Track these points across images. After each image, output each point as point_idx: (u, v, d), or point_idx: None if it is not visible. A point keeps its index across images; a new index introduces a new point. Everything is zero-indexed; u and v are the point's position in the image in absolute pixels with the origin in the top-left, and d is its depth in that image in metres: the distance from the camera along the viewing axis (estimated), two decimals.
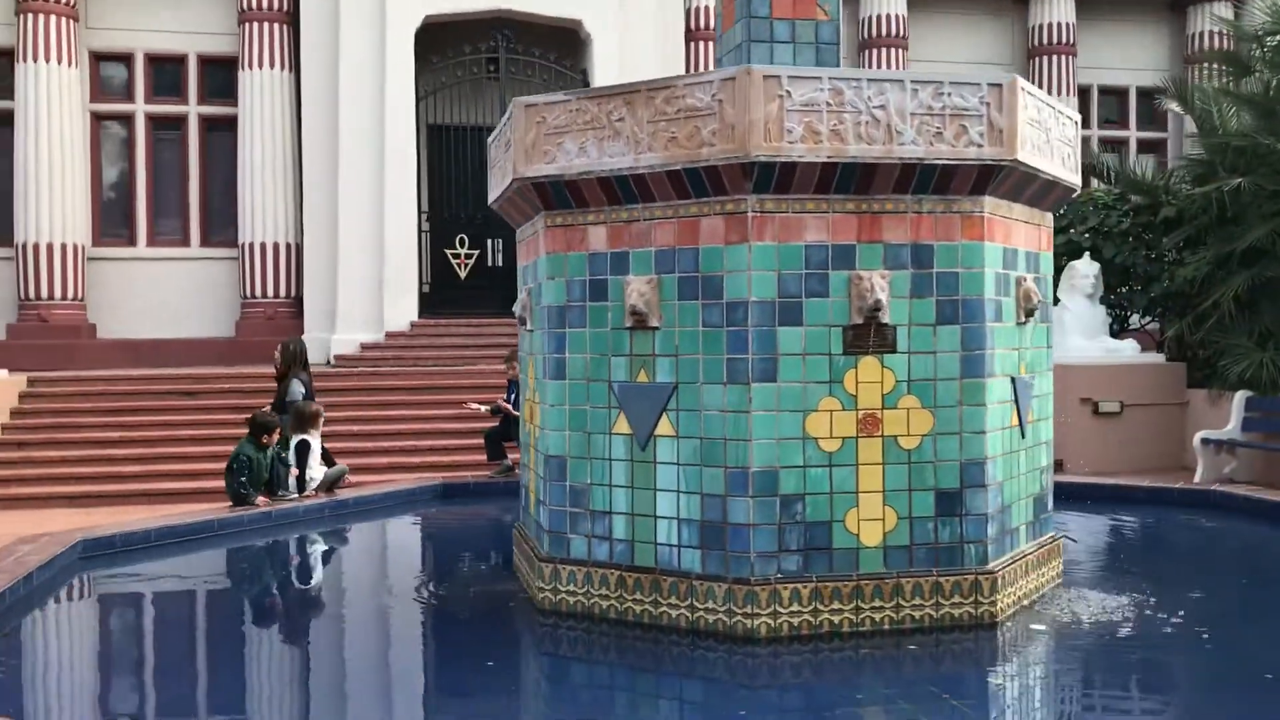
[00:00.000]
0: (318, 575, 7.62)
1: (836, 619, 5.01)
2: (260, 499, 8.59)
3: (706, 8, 19.34)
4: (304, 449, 9.56)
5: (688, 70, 18.92)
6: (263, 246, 18.15)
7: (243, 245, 18.29)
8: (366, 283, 17.38)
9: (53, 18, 17.46)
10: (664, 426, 5.13)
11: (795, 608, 4.96)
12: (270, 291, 18.24)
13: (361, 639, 5.74)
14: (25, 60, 17.35)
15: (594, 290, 5.31)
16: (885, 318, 5.02)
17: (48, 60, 17.41)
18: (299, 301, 18.26)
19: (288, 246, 18.26)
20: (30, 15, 17.32)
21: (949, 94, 4.96)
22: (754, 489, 4.94)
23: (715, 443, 5.00)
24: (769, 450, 4.94)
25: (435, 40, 18.30)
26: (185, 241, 18.89)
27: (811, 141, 4.83)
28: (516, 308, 6.29)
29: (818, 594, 4.99)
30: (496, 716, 4.45)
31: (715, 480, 5.01)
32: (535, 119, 5.27)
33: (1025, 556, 5.59)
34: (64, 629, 5.86)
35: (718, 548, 5.02)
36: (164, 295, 18.43)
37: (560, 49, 18.59)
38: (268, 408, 9.91)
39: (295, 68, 18.35)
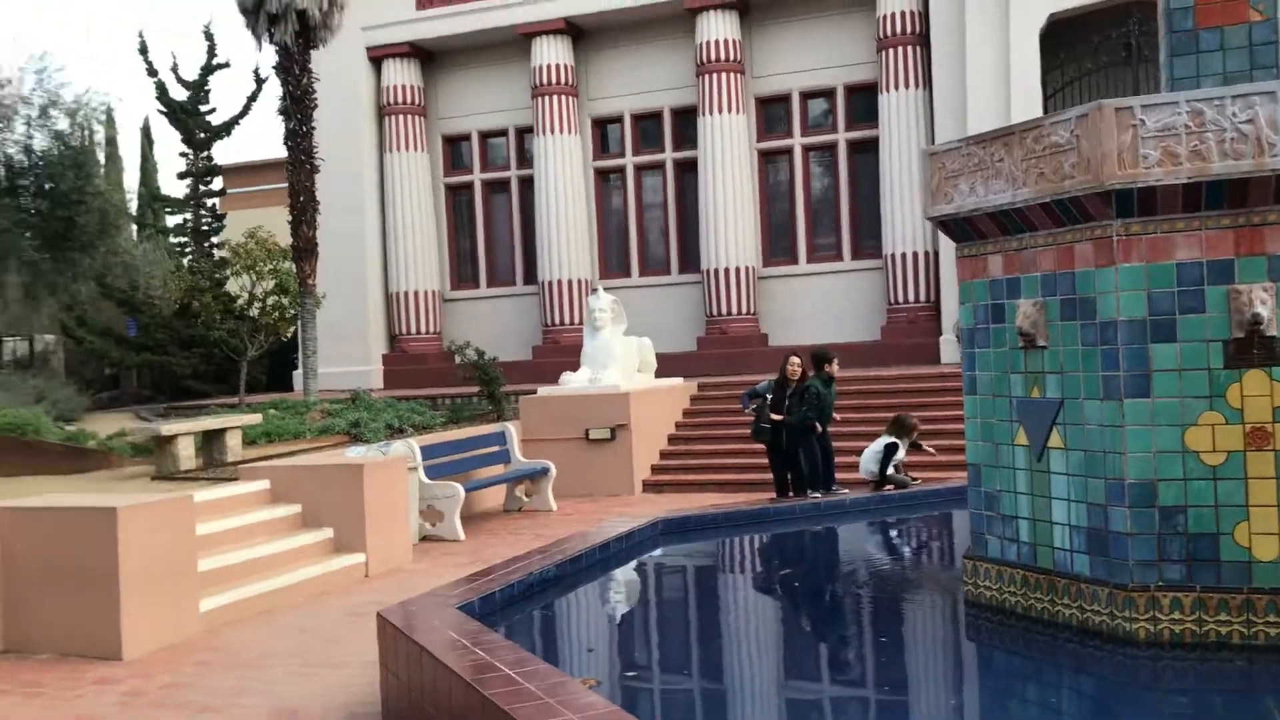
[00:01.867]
0: (819, 559, 8.80)
1: (1224, 630, 5.02)
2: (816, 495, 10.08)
3: None
4: (892, 450, 10.97)
5: None
6: (903, 256, 19.61)
7: (886, 256, 19.92)
8: None
9: (724, 75, 20.60)
10: (1054, 439, 5.52)
11: (1176, 615, 5.07)
12: (910, 297, 19.64)
13: (832, 613, 6.85)
14: (705, 114, 20.71)
15: (994, 313, 5.84)
16: (1271, 330, 4.91)
17: (722, 111, 20.59)
18: (936, 306, 19.39)
19: (925, 255, 19.49)
20: (707, 76, 20.63)
21: None
22: (1130, 500, 5.15)
23: (1096, 455, 5.29)
24: (1144, 463, 5.12)
25: (1063, 37, 18.29)
26: (838, 256, 21.02)
27: (1169, 164, 4.94)
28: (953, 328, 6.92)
29: (1201, 604, 5.04)
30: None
31: (1097, 490, 5.30)
32: (936, 165, 5.95)
33: None
34: (624, 589, 7.75)
35: (1101, 554, 5.29)
36: (821, 305, 20.73)
37: None
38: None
39: (927, 84, 19.53)
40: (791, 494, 10.81)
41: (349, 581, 9.38)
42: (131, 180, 28.88)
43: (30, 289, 18.20)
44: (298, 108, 17.51)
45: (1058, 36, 18.24)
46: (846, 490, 10.62)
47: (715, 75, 20.58)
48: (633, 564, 7.99)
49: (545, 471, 13.10)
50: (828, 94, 20.99)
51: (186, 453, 11.56)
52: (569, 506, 13.10)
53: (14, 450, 11.92)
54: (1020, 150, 5.45)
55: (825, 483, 10.69)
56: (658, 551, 8.44)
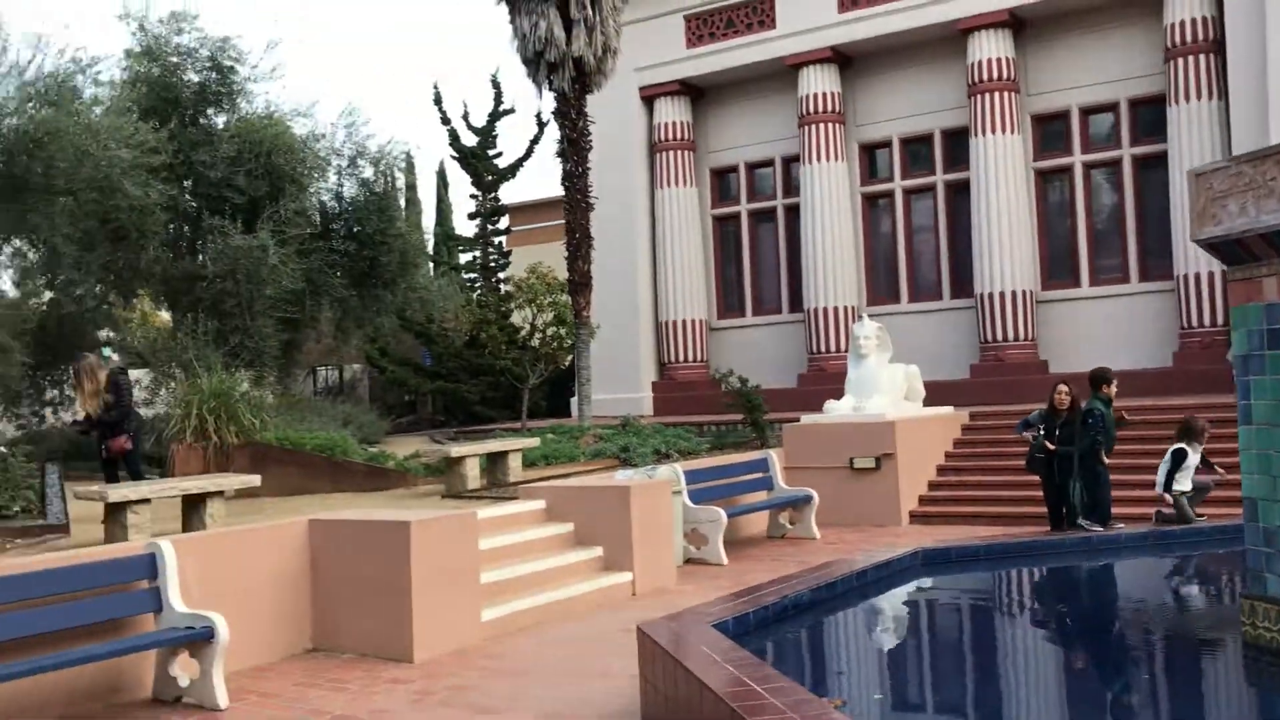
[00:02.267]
0: (1087, 596, 8.41)
1: None
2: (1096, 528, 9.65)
3: None
4: (1180, 456, 10.42)
5: None
6: (1196, 277, 18.40)
7: (1177, 277, 18.74)
8: None
9: (998, 94, 20.07)
10: None
11: None
12: (1205, 321, 18.40)
13: (1094, 654, 6.60)
14: (977, 135, 20.24)
15: (1270, 339, 5.52)
16: None
17: (993, 132, 20.07)
18: None
19: (1222, 275, 18.18)
20: (979, 96, 20.18)
21: None
22: None
23: None
24: None
25: None
26: (1124, 278, 19.94)
27: None
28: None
29: None
30: None
31: None
32: (1203, 186, 5.71)
33: None
34: (878, 616, 7.75)
35: None
36: (1105, 330, 19.72)
37: None
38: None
39: (1222, 94, 18.30)
40: (1066, 527, 10.42)
41: (617, 598, 9.83)
42: (428, 220, 31.24)
43: (340, 323, 20.04)
44: (573, 150, 18.48)
45: None
46: (1123, 525, 10.12)
47: (988, 95, 20.09)
48: (890, 593, 7.99)
49: (808, 499, 13.19)
50: (1110, 109, 20.03)
51: (473, 473, 12.44)
52: (832, 535, 13.13)
53: (325, 468, 13.23)
54: None
55: (1101, 516, 10.23)
56: (917, 582, 8.39)
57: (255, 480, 10.00)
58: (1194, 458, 10.55)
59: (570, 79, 17.95)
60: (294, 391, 20.38)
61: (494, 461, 13.04)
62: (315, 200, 19.06)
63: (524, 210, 32.42)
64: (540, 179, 79.05)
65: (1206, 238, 5.74)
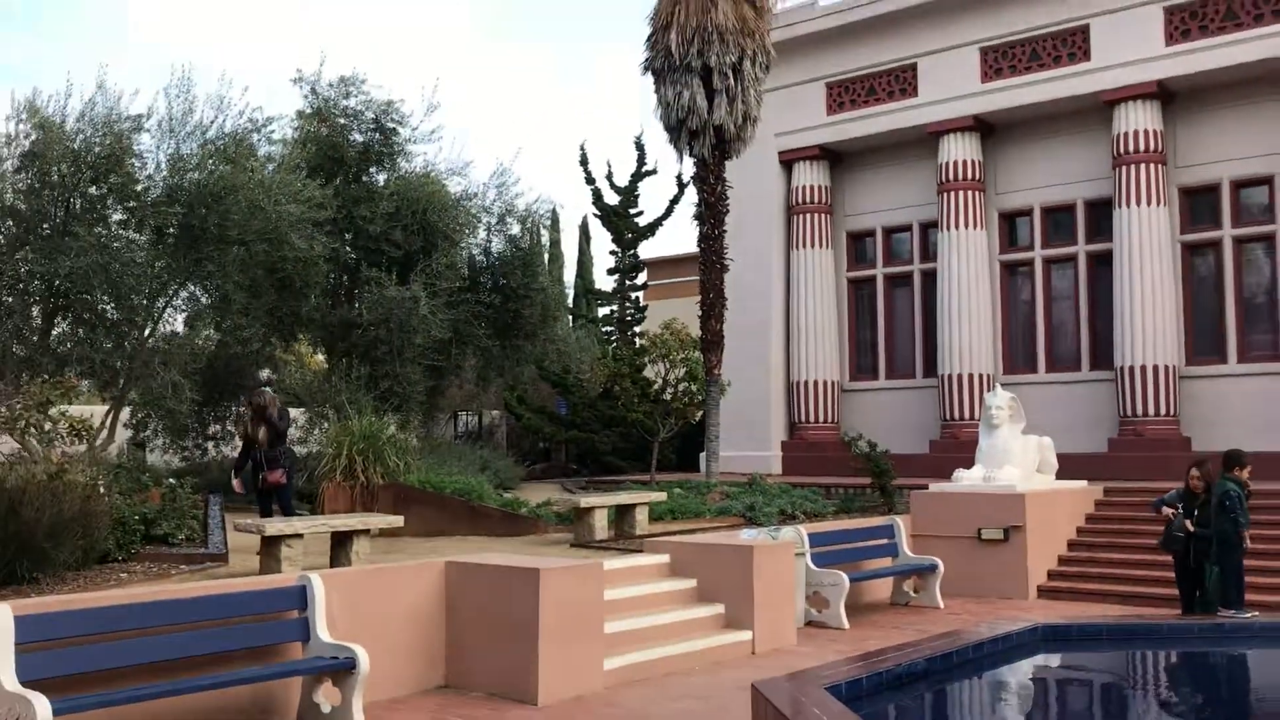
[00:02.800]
0: (1209, 685, 8.22)
1: None
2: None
3: None
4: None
5: None
6: None
7: None
8: None
9: (1144, 166, 19.81)
10: None
11: None
12: None
13: None
14: (1121, 206, 19.98)
15: None
16: None
17: (1139, 203, 19.78)
18: None
19: None
20: (1124, 167, 19.96)
21: None
22: None
23: None
24: None
25: None
26: (1277, 355, 19.30)
27: None
28: None
29: None
30: None
31: None
32: None
33: None
34: (991, 690, 7.78)
35: None
36: (1255, 408, 19.08)
37: None
38: None
39: None
40: (1197, 611, 10.23)
41: (736, 656, 10.06)
42: (569, 274, 32.17)
43: (482, 372, 20.86)
44: (710, 213, 18.96)
45: None
46: (1256, 612, 9.88)
47: (1134, 166, 19.84)
48: (1007, 667, 8.01)
49: (933, 568, 13.18)
50: (1265, 181, 19.52)
51: (601, 524, 12.86)
52: (956, 605, 13.07)
53: (463, 512, 13.82)
54: None
55: (1234, 600, 10.02)
56: (1036, 658, 8.38)
57: (398, 521, 10.60)
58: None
59: (710, 145, 18.48)
60: (436, 435, 21.24)
61: (622, 513, 13.42)
62: (465, 255, 19.97)
63: (661, 265, 33.09)
64: (679, 235, 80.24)
65: None
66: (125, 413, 16.79)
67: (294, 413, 16.20)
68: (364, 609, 8.38)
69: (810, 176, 24.04)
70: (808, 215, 24.00)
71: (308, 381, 18.23)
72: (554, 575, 8.56)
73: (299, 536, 9.54)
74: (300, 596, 7.83)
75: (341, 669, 7.50)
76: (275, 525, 9.56)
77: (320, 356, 21.33)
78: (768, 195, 24.18)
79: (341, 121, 18.69)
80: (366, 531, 10.11)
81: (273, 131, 17.07)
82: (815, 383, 23.76)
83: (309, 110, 18.68)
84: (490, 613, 8.69)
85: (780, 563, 10.81)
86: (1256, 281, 19.81)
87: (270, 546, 9.49)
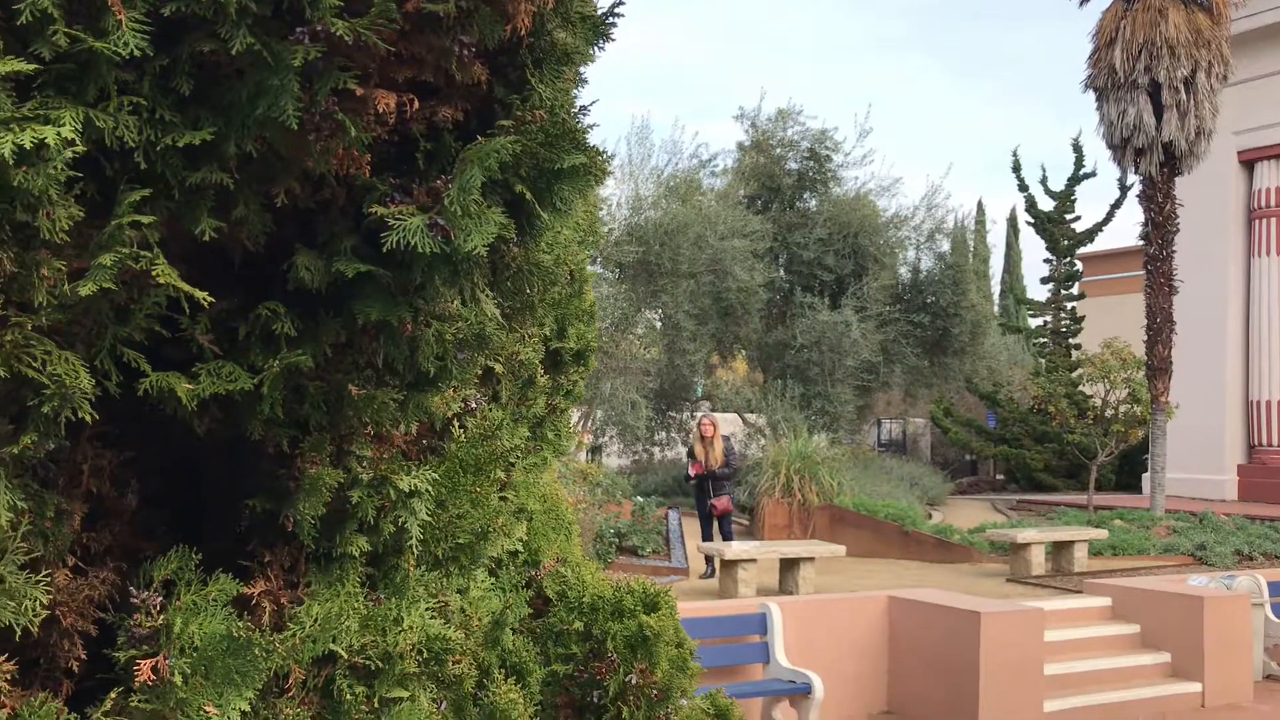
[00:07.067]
0: None
1: None
2: None
3: None
4: None
5: None
6: None
7: None
8: None
9: None
10: None
11: None
12: None
13: None
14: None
15: None
16: None
17: None
18: None
19: None
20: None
21: None
22: None
23: None
24: None
25: None
26: None
27: None
28: None
29: None
30: None
31: None
32: None
33: None
34: None
35: None
36: None
37: None
38: None
39: None
40: None
41: (1184, 707, 9.85)
42: (995, 285, 31.49)
43: (909, 388, 21.21)
44: (1158, 233, 18.02)
45: None
46: None
47: None
48: None
49: None
50: None
51: (1037, 560, 12.87)
52: None
53: (895, 536, 14.36)
54: None
55: None
56: None
57: (840, 550, 11.36)
58: None
59: (1158, 163, 17.59)
60: (858, 440, 21.86)
61: (1059, 548, 13.34)
62: (895, 276, 20.44)
63: (1098, 259, 31.43)
64: (1119, 230, 75.25)
65: None
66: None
67: (727, 429, 17.52)
68: (813, 635, 9.19)
69: (1275, 177, 22.04)
70: (1271, 220, 22.03)
71: (746, 399, 19.50)
72: (995, 619, 8.90)
73: (753, 561, 10.54)
74: (761, 622, 8.77)
75: (798, 693, 8.35)
76: (734, 550, 10.64)
77: (756, 373, 22.65)
78: (1224, 199, 22.43)
79: (778, 152, 19.79)
80: (812, 559, 10.95)
81: (716, 164, 18.49)
82: (1278, 402, 21.80)
83: (748, 143, 19.95)
84: (931, 648, 9.19)
85: (1235, 614, 10.38)
86: None
87: (728, 569, 10.57)
